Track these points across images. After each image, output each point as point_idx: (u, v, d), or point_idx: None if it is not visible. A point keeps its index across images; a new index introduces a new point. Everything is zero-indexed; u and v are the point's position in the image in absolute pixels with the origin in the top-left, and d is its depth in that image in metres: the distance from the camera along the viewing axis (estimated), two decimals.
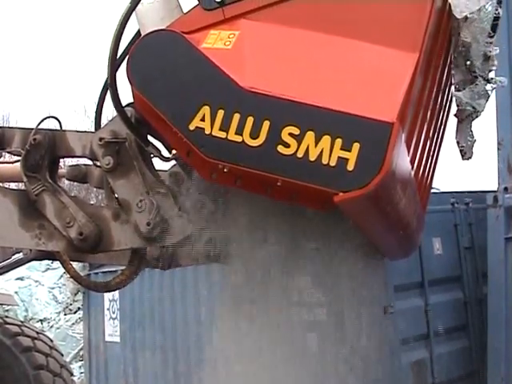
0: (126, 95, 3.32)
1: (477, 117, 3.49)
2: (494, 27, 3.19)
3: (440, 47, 3.36)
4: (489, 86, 3.34)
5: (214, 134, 2.86)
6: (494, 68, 3.34)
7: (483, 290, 8.70)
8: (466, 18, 3.08)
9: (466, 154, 3.59)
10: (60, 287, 20.43)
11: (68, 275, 4.58)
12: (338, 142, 2.68)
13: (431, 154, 3.87)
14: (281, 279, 3.48)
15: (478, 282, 8.93)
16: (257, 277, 3.51)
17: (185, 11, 3.37)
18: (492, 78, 3.32)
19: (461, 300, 8.83)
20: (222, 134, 2.84)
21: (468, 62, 3.29)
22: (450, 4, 3.05)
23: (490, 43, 3.21)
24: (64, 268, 4.51)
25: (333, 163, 2.68)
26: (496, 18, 3.16)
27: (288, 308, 3.54)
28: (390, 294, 7.67)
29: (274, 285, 3.48)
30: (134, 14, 3.35)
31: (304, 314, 3.54)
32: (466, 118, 3.51)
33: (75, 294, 19.89)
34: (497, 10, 3.14)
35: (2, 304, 14.04)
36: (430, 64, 3.24)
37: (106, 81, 3.47)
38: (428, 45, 3.03)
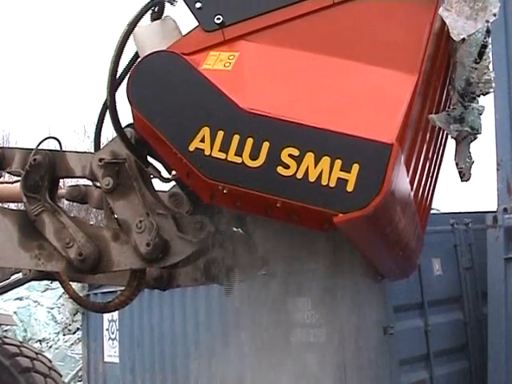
0: (125, 116, 3.33)
1: (475, 138, 3.50)
2: (480, 54, 3.20)
3: (439, 68, 3.37)
4: (465, 112, 3.33)
5: (213, 155, 2.86)
6: (490, 91, 3.34)
7: (483, 310, 8.68)
8: (463, 40, 3.10)
9: (464, 175, 3.59)
10: (59, 307, 20.39)
11: (67, 295, 4.58)
12: (338, 162, 2.68)
13: (430, 174, 3.88)
14: (280, 300, 3.48)
15: (478, 303, 8.91)
16: (256, 297, 3.50)
17: (183, 33, 3.38)
18: (469, 105, 3.31)
19: (461, 320, 8.80)
20: (222, 155, 2.84)
21: None
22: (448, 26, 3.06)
23: (475, 69, 3.22)
24: (63, 288, 4.51)
25: (332, 184, 2.68)
26: (484, 46, 3.17)
27: (289, 329, 3.53)
28: (389, 315, 7.66)
29: (274, 306, 3.48)
30: (132, 35, 3.37)
31: (304, 334, 3.54)
32: (464, 139, 3.51)
33: (74, 315, 19.86)
34: (485, 38, 3.16)
35: (0, 324, 14.00)
36: (429, 85, 3.25)
37: (106, 101, 3.47)
38: (427, 66, 3.05)
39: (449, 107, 3.61)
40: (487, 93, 3.36)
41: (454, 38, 3.06)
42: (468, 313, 8.87)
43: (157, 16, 3.46)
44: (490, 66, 3.30)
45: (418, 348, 8.14)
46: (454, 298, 8.85)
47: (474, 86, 3.29)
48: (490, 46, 3.22)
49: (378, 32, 3.09)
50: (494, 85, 3.31)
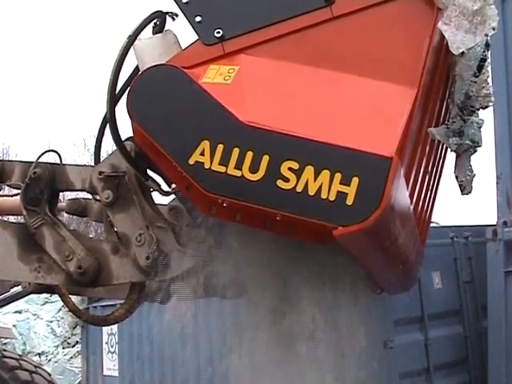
0: (125, 129, 3.33)
1: (475, 151, 3.50)
2: (479, 68, 3.21)
3: (438, 82, 3.38)
4: (464, 126, 3.34)
5: (213, 168, 2.86)
6: (489, 104, 3.35)
7: (483, 323, 8.68)
8: (462, 53, 3.10)
9: (465, 188, 3.58)
10: (58, 321, 20.36)
11: (67, 309, 4.57)
12: (337, 176, 2.68)
13: (430, 187, 3.88)
14: (280, 313, 3.47)
15: (478, 316, 8.90)
16: (256, 311, 3.50)
17: (183, 47, 3.39)
18: (468, 119, 3.32)
19: (461, 334, 8.80)
20: (222, 169, 2.84)
21: None
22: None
23: (474, 83, 3.22)
24: (63, 301, 4.50)
25: (332, 197, 2.68)
26: (483, 60, 3.18)
27: (288, 342, 3.52)
28: (389, 329, 7.66)
29: (274, 319, 3.47)
30: (132, 49, 3.38)
31: (303, 348, 3.53)
32: (465, 152, 3.51)
33: (73, 328, 19.82)
34: (484, 52, 3.17)
35: (0, 337, 13.98)
36: (429, 98, 3.25)
37: (106, 115, 3.48)
38: (426, 79, 3.05)
39: (448, 120, 3.62)
40: (486, 107, 3.37)
41: (453, 52, 3.07)
42: (468, 326, 8.86)
43: (158, 29, 3.47)
44: (489, 80, 3.31)
45: (418, 362, 8.13)
46: (453, 312, 8.85)
47: (473, 99, 3.29)
48: (489, 60, 3.23)
49: (377, 45, 3.10)
50: (493, 99, 3.32)
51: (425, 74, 3.00)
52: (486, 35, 3.06)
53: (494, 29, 3.07)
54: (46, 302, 20.35)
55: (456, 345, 8.72)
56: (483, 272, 8.48)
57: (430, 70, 3.10)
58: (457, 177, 3.59)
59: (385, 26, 3.13)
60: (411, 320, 8.19)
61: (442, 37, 3.09)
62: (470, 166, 3.56)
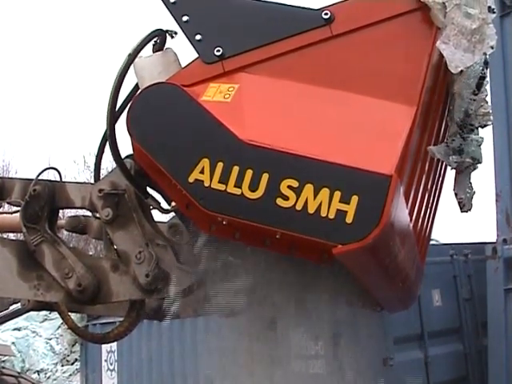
0: (125, 147, 3.34)
1: (475, 169, 3.50)
2: (478, 86, 3.22)
3: (437, 100, 3.38)
4: (464, 144, 3.35)
5: (213, 186, 2.87)
6: (488, 123, 3.36)
7: (483, 341, 8.64)
8: (461, 72, 3.12)
9: (465, 206, 3.58)
10: (57, 338, 20.30)
11: (66, 326, 4.56)
12: (337, 194, 2.69)
13: (430, 205, 3.88)
14: (280, 331, 3.47)
15: (478, 334, 8.87)
16: (255, 329, 3.49)
17: (183, 65, 3.40)
18: (468, 137, 3.33)
19: (461, 352, 8.76)
20: (221, 187, 2.85)
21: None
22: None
23: (474, 100, 3.24)
24: (62, 319, 4.49)
25: (331, 216, 2.68)
26: (482, 78, 3.20)
27: (288, 360, 3.52)
28: (389, 346, 7.63)
29: (273, 337, 3.46)
30: (132, 66, 3.39)
31: (303, 365, 3.52)
32: (465, 169, 3.52)
33: (72, 345, 19.77)
34: (483, 70, 3.18)
35: None
36: (428, 116, 3.26)
37: (106, 132, 3.48)
38: (426, 98, 3.06)
39: (447, 138, 3.62)
40: (485, 125, 3.38)
41: (452, 71, 3.08)
42: (468, 344, 8.83)
43: (158, 47, 3.48)
44: (488, 99, 3.32)
45: (418, 379, 8.09)
46: (453, 329, 8.82)
47: (472, 117, 3.30)
48: (487, 79, 3.24)
49: (377, 64, 3.11)
50: (491, 117, 3.33)
51: (424, 92, 3.01)
52: (485, 54, 3.07)
53: (492, 47, 3.08)
54: (45, 319, 20.31)
55: (456, 362, 8.69)
56: (483, 289, 8.47)
57: (429, 88, 3.11)
58: (456, 194, 3.59)
59: (384, 45, 3.15)
60: (411, 338, 8.16)
61: (441, 55, 3.10)
62: (470, 183, 3.57)
